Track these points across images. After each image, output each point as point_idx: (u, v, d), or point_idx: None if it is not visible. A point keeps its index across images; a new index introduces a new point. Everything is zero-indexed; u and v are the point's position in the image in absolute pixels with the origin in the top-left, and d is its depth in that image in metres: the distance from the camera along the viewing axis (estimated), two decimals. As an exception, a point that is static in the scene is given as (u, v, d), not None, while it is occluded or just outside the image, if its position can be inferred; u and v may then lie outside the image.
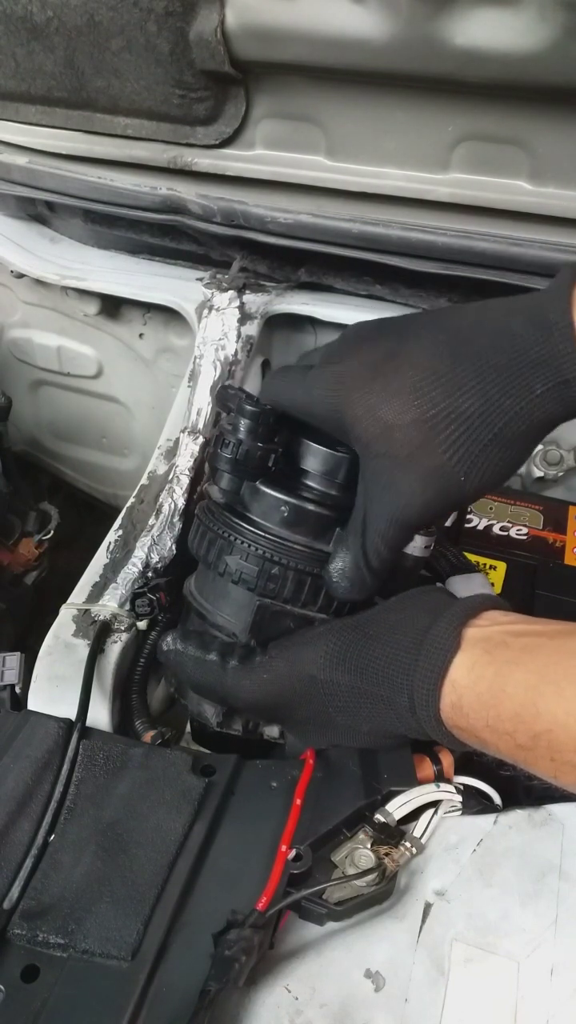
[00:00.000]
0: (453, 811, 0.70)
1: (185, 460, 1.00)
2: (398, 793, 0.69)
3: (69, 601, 0.89)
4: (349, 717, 0.68)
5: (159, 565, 0.93)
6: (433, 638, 0.63)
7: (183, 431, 1.03)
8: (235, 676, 0.71)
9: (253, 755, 0.77)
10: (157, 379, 1.41)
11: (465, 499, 0.66)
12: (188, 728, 0.87)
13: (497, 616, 0.65)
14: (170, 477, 1.00)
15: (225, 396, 0.76)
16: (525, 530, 1.06)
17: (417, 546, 0.75)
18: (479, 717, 0.60)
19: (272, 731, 0.79)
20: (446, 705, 0.62)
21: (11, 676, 0.83)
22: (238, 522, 0.74)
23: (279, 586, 0.72)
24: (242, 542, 0.73)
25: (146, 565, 0.92)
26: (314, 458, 0.75)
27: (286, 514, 0.72)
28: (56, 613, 0.88)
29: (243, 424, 0.73)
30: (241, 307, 1.13)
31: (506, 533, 1.05)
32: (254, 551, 0.72)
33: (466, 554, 0.99)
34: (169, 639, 0.75)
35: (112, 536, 0.97)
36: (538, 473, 1.20)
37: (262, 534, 0.73)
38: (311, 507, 0.73)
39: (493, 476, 0.64)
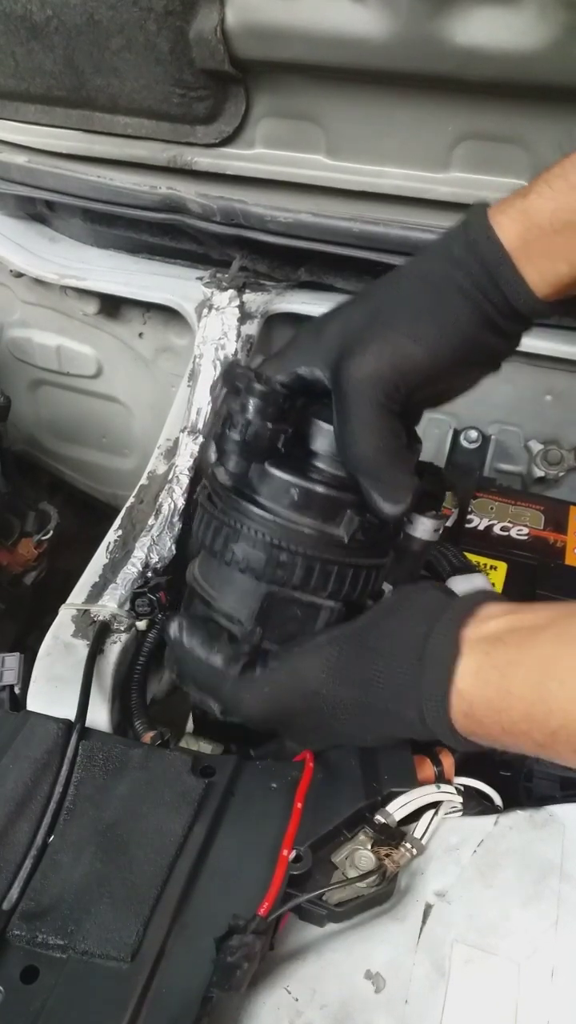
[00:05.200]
0: (454, 812, 0.70)
1: (185, 460, 1.00)
2: (398, 794, 0.69)
3: (68, 601, 0.89)
4: (354, 728, 0.68)
5: (159, 565, 0.93)
6: (433, 648, 0.62)
7: (183, 431, 1.03)
8: (235, 688, 0.70)
9: (254, 744, 0.76)
10: (157, 379, 1.40)
11: (418, 359, 0.67)
12: (189, 724, 0.86)
13: (491, 610, 0.65)
14: (170, 477, 0.99)
15: (232, 375, 0.72)
16: (526, 530, 1.06)
17: (425, 529, 0.73)
18: (493, 722, 0.59)
19: None
20: (457, 714, 0.61)
21: (10, 677, 0.82)
22: (246, 505, 0.71)
23: (288, 573, 0.70)
24: (249, 528, 0.70)
25: (145, 565, 0.92)
26: (324, 438, 0.73)
27: (296, 497, 0.70)
28: (55, 613, 0.88)
29: (252, 403, 0.69)
30: (241, 306, 1.13)
31: (507, 533, 1.05)
32: (261, 537, 0.70)
33: (466, 554, 0.99)
34: (174, 627, 0.73)
35: (112, 536, 0.96)
36: (539, 473, 1.20)
37: (271, 518, 0.70)
38: (321, 489, 0.70)
39: (439, 333, 0.67)
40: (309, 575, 0.70)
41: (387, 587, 0.75)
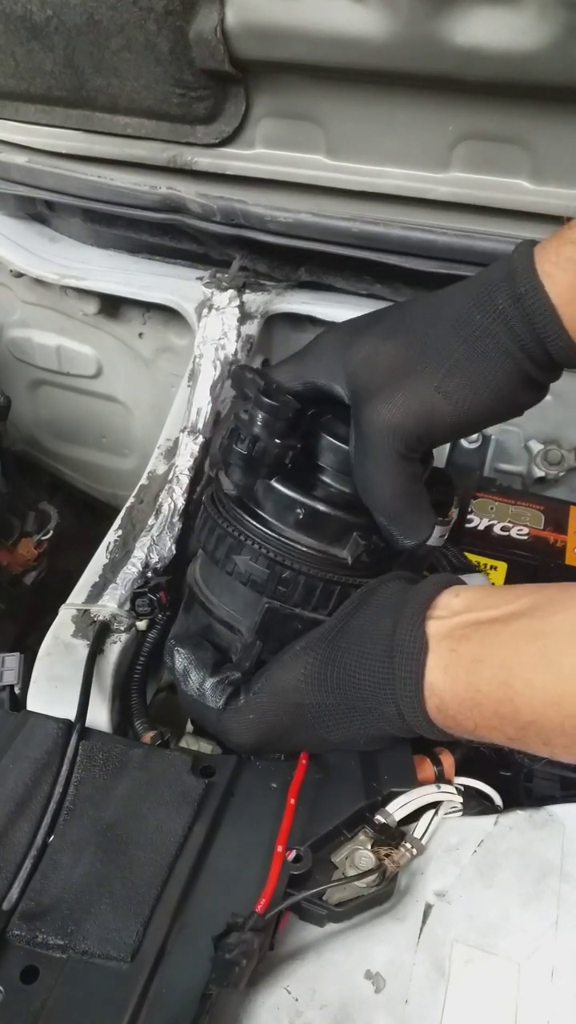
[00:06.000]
0: (453, 812, 0.70)
1: (185, 460, 1.00)
2: (398, 794, 0.69)
3: (68, 601, 0.89)
4: (343, 733, 0.68)
5: (158, 565, 0.93)
6: (400, 643, 0.63)
7: (183, 431, 1.03)
8: (222, 719, 0.70)
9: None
10: (157, 379, 1.40)
11: (446, 415, 0.65)
12: (189, 723, 0.86)
13: (452, 602, 0.65)
14: (170, 477, 0.99)
15: (242, 380, 0.70)
16: (526, 530, 1.06)
17: (432, 536, 0.72)
18: (466, 717, 0.61)
19: None
20: (432, 708, 0.62)
21: (10, 677, 0.82)
22: (249, 520, 0.70)
23: (289, 590, 0.69)
24: (253, 543, 0.69)
25: (145, 565, 0.92)
26: (332, 454, 0.72)
27: (301, 516, 0.69)
28: (55, 613, 0.88)
29: (260, 418, 0.67)
30: (241, 306, 1.13)
31: (507, 533, 1.05)
32: (264, 553, 0.69)
33: (467, 554, 0.99)
34: (167, 654, 0.75)
35: (111, 536, 0.96)
36: (539, 473, 1.20)
37: (274, 535, 0.70)
38: (328, 510, 0.69)
39: (472, 392, 0.65)
40: (311, 594, 0.70)
41: None
